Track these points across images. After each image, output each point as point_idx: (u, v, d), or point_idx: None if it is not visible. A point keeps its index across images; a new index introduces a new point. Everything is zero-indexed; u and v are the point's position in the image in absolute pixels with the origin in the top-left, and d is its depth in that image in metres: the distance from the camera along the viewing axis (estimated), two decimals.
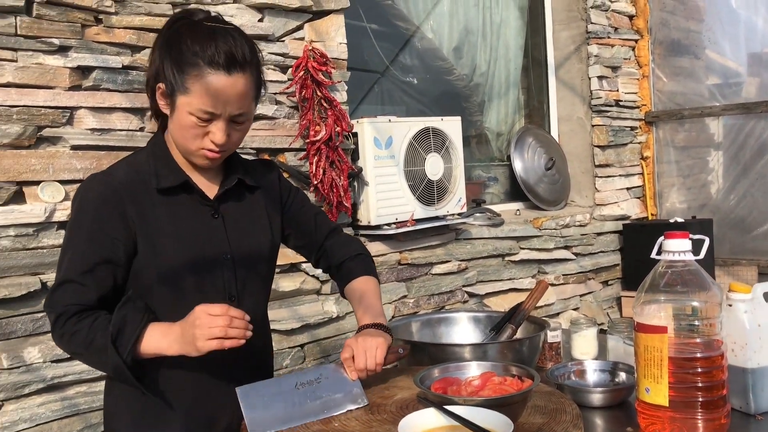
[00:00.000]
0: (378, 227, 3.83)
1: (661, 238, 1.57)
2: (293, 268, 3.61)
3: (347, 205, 3.61)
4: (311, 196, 3.59)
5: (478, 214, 4.50)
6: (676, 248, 1.52)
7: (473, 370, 1.57)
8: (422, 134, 3.96)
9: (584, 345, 2.13)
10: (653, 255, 1.59)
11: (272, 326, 3.50)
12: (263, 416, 1.38)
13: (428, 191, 4.00)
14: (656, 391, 1.48)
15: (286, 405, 1.44)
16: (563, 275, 4.73)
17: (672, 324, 1.49)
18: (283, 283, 3.52)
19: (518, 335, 2.06)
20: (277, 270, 3.53)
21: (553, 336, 2.11)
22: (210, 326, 1.46)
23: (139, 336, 1.52)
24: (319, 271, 3.65)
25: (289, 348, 3.53)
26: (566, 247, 4.78)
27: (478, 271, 4.32)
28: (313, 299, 3.67)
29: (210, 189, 1.73)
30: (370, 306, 1.83)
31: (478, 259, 4.35)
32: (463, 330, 2.20)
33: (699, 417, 1.45)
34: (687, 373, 1.46)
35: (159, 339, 1.53)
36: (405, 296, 3.96)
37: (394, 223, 3.88)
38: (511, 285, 4.41)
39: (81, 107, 2.77)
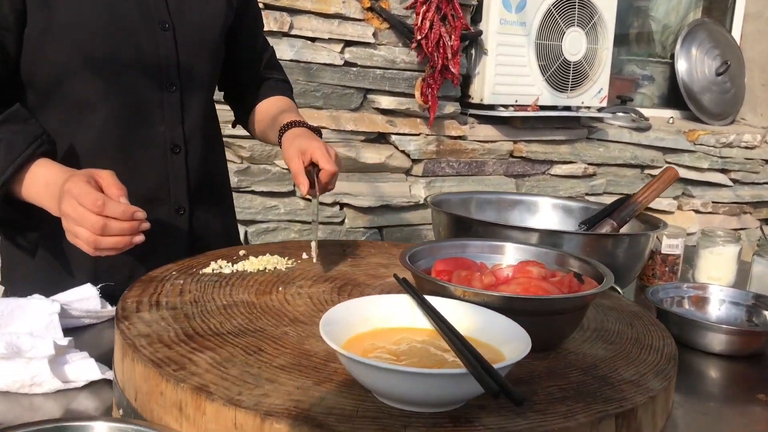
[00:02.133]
0: (491, 107, 3.21)
1: None
2: (381, 137, 3.08)
3: (454, 71, 2.99)
4: (413, 55, 2.99)
5: (621, 114, 3.74)
6: None
7: (510, 254, 0.98)
8: (565, 1, 3.23)
9: (716, 266, 1.48)
10: None
11: (347, 200, 3.04)
12: None
13: (562, 74, 3.30)
14: None
15: None
16: (713, 203, 3.91)
17: None
18: (366, 154, 3.00)
19: None
20: (360, 137, 3.03)
21: (670, 245, 1.47)
22: (77, 224, 0.98)
23: (14, 175, 1.06)
24: (411, 147, 3.11)
25: (364, 228, 3.05)
26: (723, 171, 3.94)
27: (607, 179, 3.61)
28: (399, 178, 3.14)
29: None
30: (295, 116, 1.37)
31: (611, 165, 3.63)
32: (543, 219, 1.59)
33: None
34: None
35: (39, 191, 1.07)
36: None
37: (513, 106, 3.24)
38: None
39: None
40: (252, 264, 1.09)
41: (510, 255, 0.98)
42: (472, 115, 3.27)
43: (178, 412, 0.71)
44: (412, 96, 3.05)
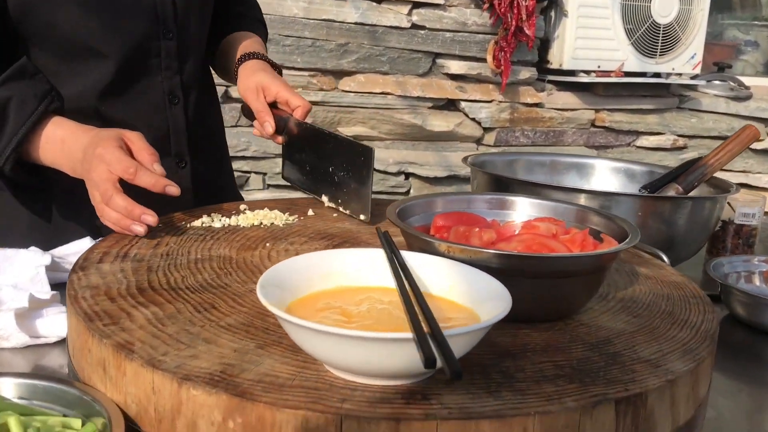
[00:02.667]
0: (571, 73, 3.02)
1: None
2: (450, 104, 2.94)
3: (529, 33, 2.81)
4: (485, 17, 2.83)
5: (717, 82, 3.44)
6: None
7: (523, 210, 0.84)
8: None
9: None
10: None
11: (412, 170, 2.93)
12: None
13: (650, 37, 3.06)
14: None
15: None
16: None
17: None
18: (434, 121, 2.88)
19: None
20: (428, 104, 2.90)
21: (745, 214, 1.28)
22: (95, 188, 0.93)
23: (26, 137, 0.99)
24: (482, 115, 2.96)
25: None
26: None
27: (700, 153, 3.32)
28: (469, 148, 3.00)
29: None
30: (254, 47, 1.24)
31: (705, 138, 3.35)
32: (602, 183, 1.43)
33: None
34: None
35: (56, 151, 1.00)
36: None
37: (595, 72, 3.03)
38: (744, 179, 3.37)
39: None
40: (247, 219, 0.99)
41: (522, 211, 0.84)
42: (550, 82, 3.08)
43: (103, 371, 0.62)
44: (484, 60, 2.89)
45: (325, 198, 1.09)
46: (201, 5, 1.18)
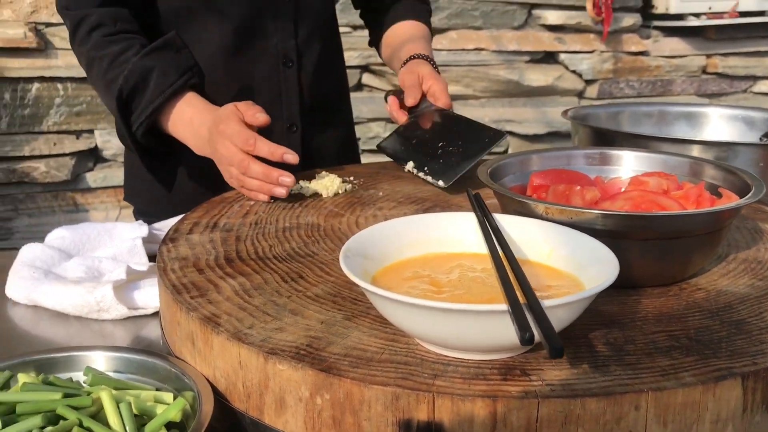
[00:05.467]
0: (680, 17, 2.84)
1: None
2: (548, 57, 2.82)
3: None
4: None
5: None
6: None
7: (629, 165, 0.77)
8: None
9: None
10: None
11: (510, 128, 2.84)
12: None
13: None
14: None
15: None
16: None
17: None
18: (532, 76, 2.77)
19: None
20: (525, 58, 2.80)
21: None
22: (229, 164, 0.95)
23: (162, 106, 1.02)
24: (583, 67, 2.83)
25: None
26: None
27: None
28: (570, 102, 2.88)
29: None
30: (423, 47, 1.22)
31: None
32: (716, 134, 1.32)
33: None
34: None
35: (184, 127, 1.03)
36: None
37: (706, 14, 2.83)
38: None
39: None
40: (322, 184, 0.96)
41: (628, 166, 0.77)
42: (655, 28, 2.90)
43: (192, 345, 0.61)
44: (583, 9, 2.75)
45: (410, 164, 1.05)
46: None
